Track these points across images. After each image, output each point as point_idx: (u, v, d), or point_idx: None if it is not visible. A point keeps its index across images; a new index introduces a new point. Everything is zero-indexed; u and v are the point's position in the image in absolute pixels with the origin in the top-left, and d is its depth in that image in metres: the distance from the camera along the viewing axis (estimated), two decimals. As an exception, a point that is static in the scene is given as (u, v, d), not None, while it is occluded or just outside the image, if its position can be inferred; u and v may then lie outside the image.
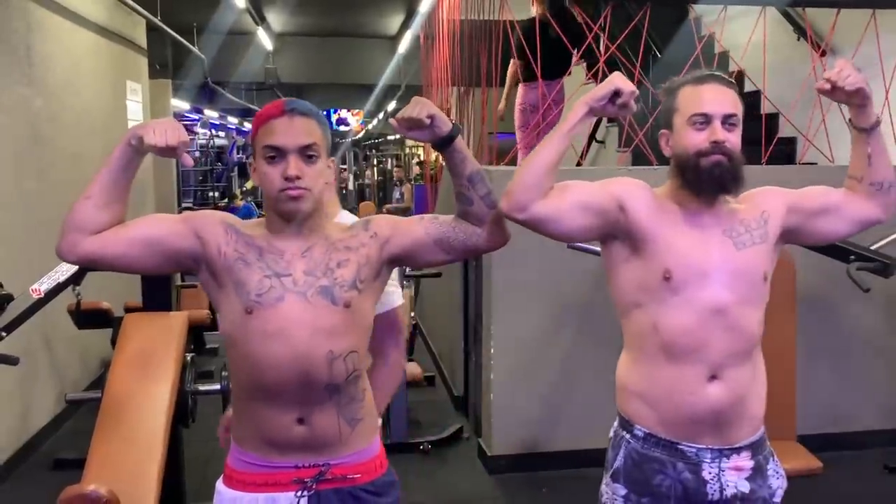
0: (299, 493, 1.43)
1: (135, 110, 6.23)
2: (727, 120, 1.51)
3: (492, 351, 3.55)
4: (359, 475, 1.47)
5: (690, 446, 1.54)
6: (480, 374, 3.83)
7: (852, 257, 2.99)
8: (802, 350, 3.27)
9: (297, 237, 1.45)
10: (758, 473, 1.58)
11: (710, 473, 1.54)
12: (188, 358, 2.83)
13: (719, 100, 1.51)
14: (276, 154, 1.40)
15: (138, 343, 2.61)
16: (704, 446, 1.54)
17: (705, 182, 1.51)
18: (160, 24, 6.71)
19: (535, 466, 3.57)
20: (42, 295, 2.79)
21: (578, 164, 5.01)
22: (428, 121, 1.41)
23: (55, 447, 3.99)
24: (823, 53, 4.37)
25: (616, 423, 1.65)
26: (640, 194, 1.58)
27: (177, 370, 2.58)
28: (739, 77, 4.66)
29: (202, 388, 2.87)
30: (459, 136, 1.46)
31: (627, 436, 1.60)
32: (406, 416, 3.96)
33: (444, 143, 1.46)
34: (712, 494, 1.54)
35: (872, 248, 3.08)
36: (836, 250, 3.03)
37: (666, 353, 1.53)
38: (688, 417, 1.53)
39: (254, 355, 1.41)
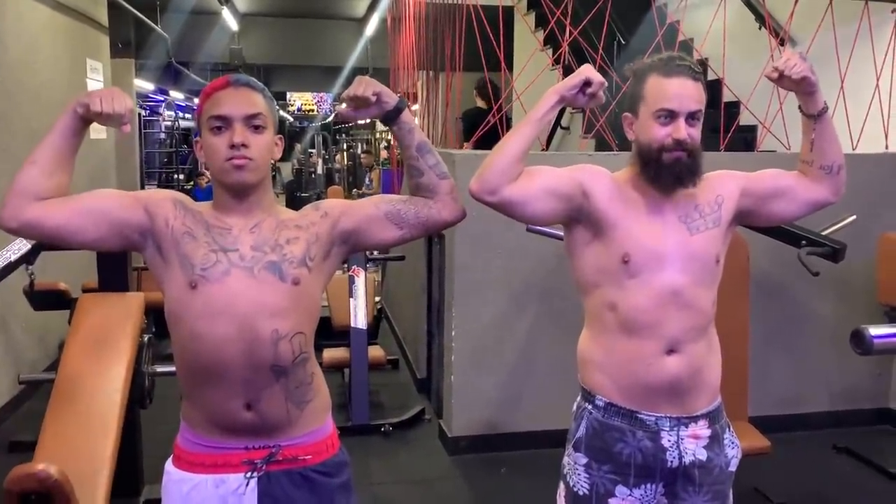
0: (248, 475, 1.42)
1: (96, 88, 6.11)
2: (691, 116, 1.55)
3: (453, 334, 3.58)
4: (309, 456, 1.47)
5: (649, 415, 1.59)
6: (442, 356, 3.86)
7: (803, 242, 3.06)
8: (756, 332, 3.34)
9: (245, 214, 1.44)
10: (714, 442, 1.63)
11: (668, 441, 1.59)
12: (145, 339, 2.81)
13: (685, 95, 1.55)
14: (222, 124, 1.39)
15: (93, 324, 2.58)
16: (663, 415, 1.59)
17: (664, 176, 1.56)
18: (121, 0, 6.57)
19: (494, 447, 3.61)
20: (-6, 274, 2.74)
21: (544, 150, 5.05)
22: (374, 98, 1.43)
23: (11, 429, 3.94)
24: (782, 42, 4.44)
25: (579, 397, 1.70)
26: (602, 181, 1.62)
27: (132, 351, 2.56)
28: (701, 66, 4.72)
29: (160, 369, 2.85)
30: (406, 108, 1.48)
31: (589, 406, 1.65)
32: (368, 399, 3.97)
33: (391, 117, 1.48)
34: (671, 462, 1.59)
35: (823, 233, 3.15)
36: (787, 235, 3.10)
37: (624, 330, 1.59)
38: (646, 387, 1.58)
39: (198, 333, 1.38)
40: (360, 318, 4.05)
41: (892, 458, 3.52)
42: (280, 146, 1.50)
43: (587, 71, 1.53)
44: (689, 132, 1.54)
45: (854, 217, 3.21)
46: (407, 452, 3.74)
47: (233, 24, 9.84)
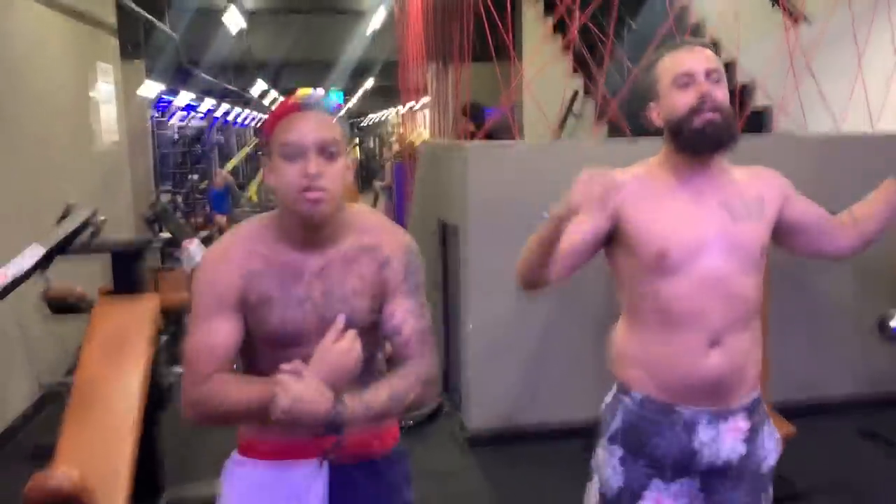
0: (321, 461, 1.43)
1: (107, 91, 6.13)
2: (710, 75, 1.52)
3: (469, 327, 3.56)
4: (376, 445, 1.50)
5: (687, 408, 1.55)
6: (459, 351, 3.84)
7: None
8: (775, 317, 3.29)
9: (313, 250, 1.41)
10: (755, 434, 1.59)
11: (707, 436, 1.55)
12: (162, 341, 2.81)
13: (698, 58, 1.53)
14: (295, 151, 1.34)
15: (109, 327, 2.58)
16: (702, 409, 1.55)
17: (701, 141, 1.51)
18: (128, 2, 6.58)
19: (512, 440, 3.59)
20: (8, 280, 2.74)
21: (557, 137, 5.01)
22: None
23: (33, 434, 3.97)
24: (796, 21, 4.36)
25: (614, 389, 1.66)
26: (620, 191, 1.54)
27: (149, 353, 2.56)
28: (714, 46, 4.66)
29: (177, 370, 2.86)
30: (344, 420, 1.33)
31: (626, 399, 1.61)
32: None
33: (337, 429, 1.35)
34: (709, 457, 1.55)
35: (843, 215, 3.09)
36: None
37: (665, 322, 1.54)
38: (688, 384, 1.54)
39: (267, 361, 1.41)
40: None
41: (918, 441, 3.47)
42: (351, 170, 1.45)
43: (574, 194, 1.43)
44: (713, 89, 1.50)
45: (874, 198, 3.14)
46: (427, 446, 3.73)
47: (240, 21, 9.85)
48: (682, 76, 1.51)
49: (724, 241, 1.52)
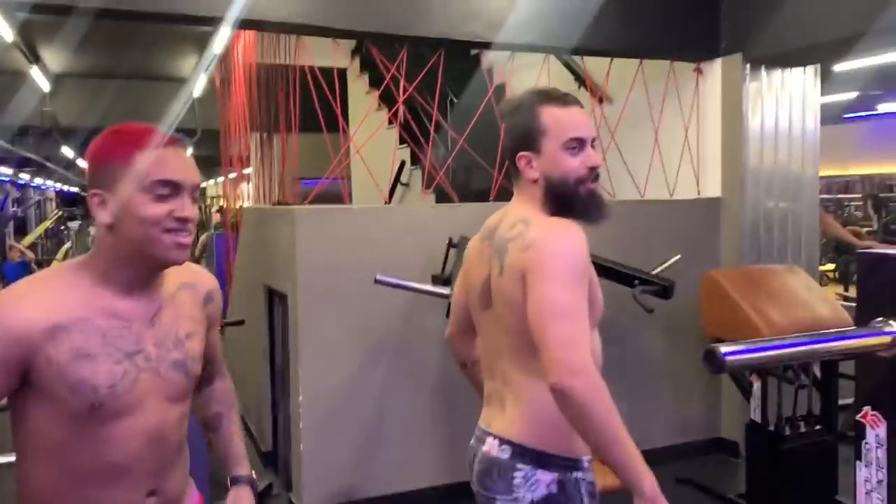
0: None
1: None
2: (593, 143, 1.55)
3: (300, 398, 3.39)
4: None
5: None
6: (289, 425, 3.64)
7: (636, 282, 3.22)
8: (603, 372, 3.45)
9: (143, 296, 1.28)
10: None
11: None
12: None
13: (588, 123, 1.55)
14: (170, 191, 1.22)
15: None
16: None
17: (591, 211, 1.52)
18: None
19: (349, 516, 3.42)
20: None
21: (387, 202, 5.04)
22: None
23: None
24: (601, 100, 4.76)
25: (546, 474, 1.49)
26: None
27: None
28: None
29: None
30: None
31: (579, 475, 1.52)
32: (209, 478, 3.65)
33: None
34: None
35: (653, 272, 3.33)
36: (620, 276, 3.24)
37: None
38: None
39: (101, 440, 1.24)
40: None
41: (728, 483, 3.73)
42: None
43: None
44: (599, 160, 1.54)
45: (679, 256, 3.43)
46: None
47: (44, 84, 9.17)
48: (574, 140, 1.52)
49: None
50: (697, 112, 4.34)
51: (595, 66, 4.88)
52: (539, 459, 1.49)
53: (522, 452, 1.49)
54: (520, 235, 1.49)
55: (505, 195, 3.24)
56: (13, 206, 15.81)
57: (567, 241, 1.44)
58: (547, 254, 1.42)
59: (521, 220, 1.53)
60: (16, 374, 1.19)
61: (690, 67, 4.33)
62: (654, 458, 4.31)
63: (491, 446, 1.53)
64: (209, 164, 13.75)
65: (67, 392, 1.20)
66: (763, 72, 4.16)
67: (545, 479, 1.49)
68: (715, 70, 4.26)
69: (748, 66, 4.10)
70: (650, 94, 4.33)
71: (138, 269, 1.26)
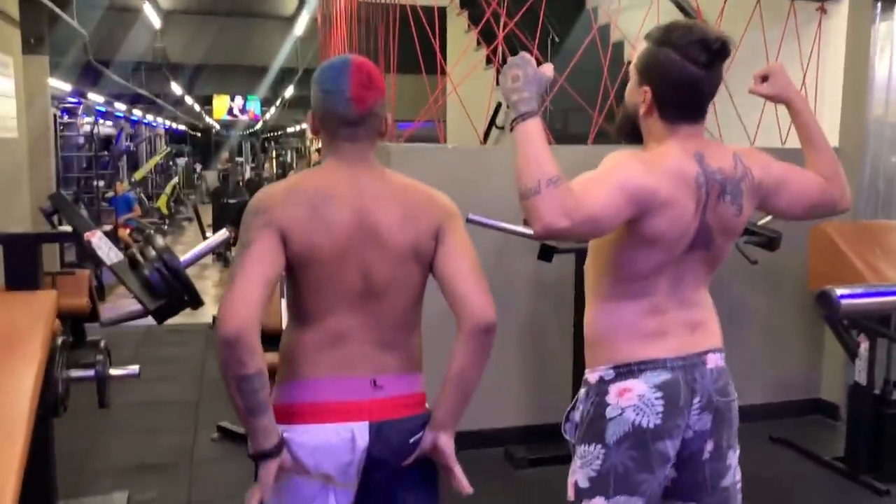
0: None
1: (5, 85, 5.74)
2: None
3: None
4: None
5: None
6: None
7: (742, 232, 3.08)
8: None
9: None
10: None
11: None
12: (59, 341, 2.59)
13: None
14: None
15: (-1, 324, 2.35)
16: None
17: None
18: (33, -8, 6.22)
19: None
20: None
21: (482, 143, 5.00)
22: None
23: None
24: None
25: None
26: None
27: (43, 354, 2.34)
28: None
29: (75, 374, 2.64)
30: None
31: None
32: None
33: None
34: None
35: (759, 224, 3.18)
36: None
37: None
38: None
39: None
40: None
41: (825, 446, 3.59)
42: None
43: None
44: None
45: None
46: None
47: (155, 20, 9.48)
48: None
49: None
50: (818, 55, 4.05)
51: (708, 4, 4.61)
52: None
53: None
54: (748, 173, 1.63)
55: (603, 138, 3.14)
56: (127, 141, 16.59)
57: None
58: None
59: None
60: None
61: (813, 6, 4.03)
62: (749, 414, 4.23)
63: (717, 360, 1.71)
64: (308, 105, 13.96)
65: None
66: (896, 11, 3.84)
67: None
68: (841, 8, 3.95)
69: (879, 3, 3.78)
70: (767, 36, 4.06)
71: None
